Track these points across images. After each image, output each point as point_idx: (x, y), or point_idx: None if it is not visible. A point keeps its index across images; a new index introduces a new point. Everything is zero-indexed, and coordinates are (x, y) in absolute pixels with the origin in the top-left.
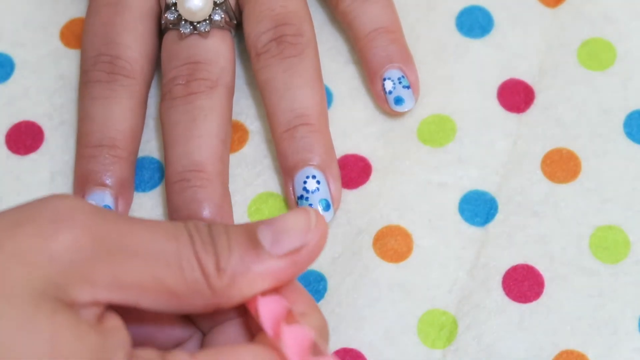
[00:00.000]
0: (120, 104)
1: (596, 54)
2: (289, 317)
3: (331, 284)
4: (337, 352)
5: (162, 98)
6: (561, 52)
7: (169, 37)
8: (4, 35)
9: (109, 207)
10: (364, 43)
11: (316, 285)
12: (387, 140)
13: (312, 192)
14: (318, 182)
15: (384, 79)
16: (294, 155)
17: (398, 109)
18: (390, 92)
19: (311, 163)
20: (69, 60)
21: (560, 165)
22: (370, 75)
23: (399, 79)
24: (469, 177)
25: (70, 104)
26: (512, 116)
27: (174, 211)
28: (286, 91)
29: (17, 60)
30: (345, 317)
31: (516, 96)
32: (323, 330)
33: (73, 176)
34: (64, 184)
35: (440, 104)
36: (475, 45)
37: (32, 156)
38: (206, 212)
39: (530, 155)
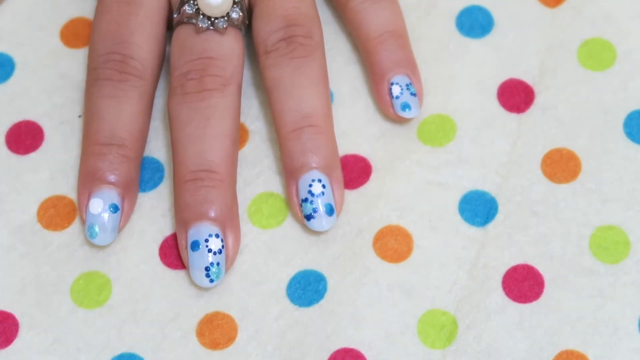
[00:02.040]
0: (131, 105)
1: (596, 54)
2: None
3: (331, 284)
4: (337, 352)
5: (172, 92)
6: (561, 52)
7: (183, 30)
8: (4, 35)
9: (116, 206)
10: (374, 44)
11: (316, 285)
12: (387, 140)
13: (317, 196)
14: (323, 185)
15: (392, 84)
16: (300, 156)
17: (404, 114)
18: (397, 97)
19: (317, 166)
20: (69, 60)
21: (560, 166)
22: (376, 78)
23: (407, 85)
24: (469, 177)
25: (70, 104)
26: (512, 116)
27: (184, 209)
28: (294, 90)
29: (17, 60)
30: (345, 317)
31: (516, 96)
32: None
33: (78, 173)
34: (64, 184)
35: (441, 104)
36: (476, 45)
37: (32, 156)
38: (217, 213)
39: (530, 155)
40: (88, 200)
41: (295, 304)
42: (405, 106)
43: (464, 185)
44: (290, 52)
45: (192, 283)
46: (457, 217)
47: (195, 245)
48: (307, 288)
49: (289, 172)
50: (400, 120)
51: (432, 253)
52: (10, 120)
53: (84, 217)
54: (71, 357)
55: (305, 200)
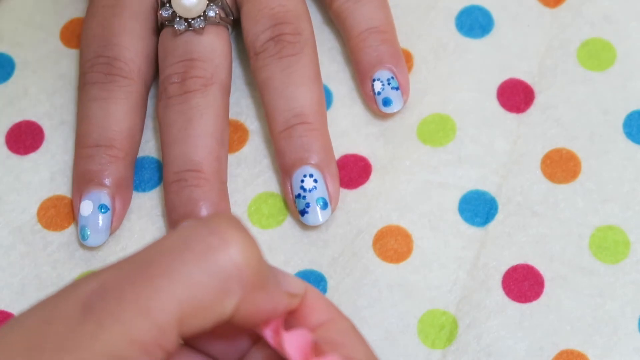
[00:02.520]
0: (118, 105)
1: (596, 54)
2: (317, 350)
3: (331, 284)
4: None
5: (159, 97)
6: (561, 53)
7: (165, 34)
8: (4, 35)
9: (105, 206)
10: (355, 43)
11: (316, 285)
12: (387, 140)
13: (310, 191)
14: (315, 180)
15: (374, 80)
16: (292, 154)
17: (386, 110)
18: (378, 93)
19: (308, 162)
20: (69, 60)
21: (560, 166)
22: (360, 76)
23: (388, 80)
24: (468, 177)
25: (70, 104)
26: (512, 116)
27: (172, 211)
28: (284, 90)
29: (17, 60)
30: None
31: (516, 96)
32: (351, 332)
33: (72, 176)
34: (64, 184)
35: (440, 104)
36: (475, 45)
37: (32, 156)
38: (203, 211)
39: (530, 155)
40: (80, 202)
41: None
42: (387, 101)
43: (463, 185)
44: (279, 51)
45: None
46: (457, 217)
47: None
48: None
49: (283, 170)
50: (385, 116)
51: (432, 253)
52: (10, 120)
53: (76, 219)
54: None
55: (298, 196)
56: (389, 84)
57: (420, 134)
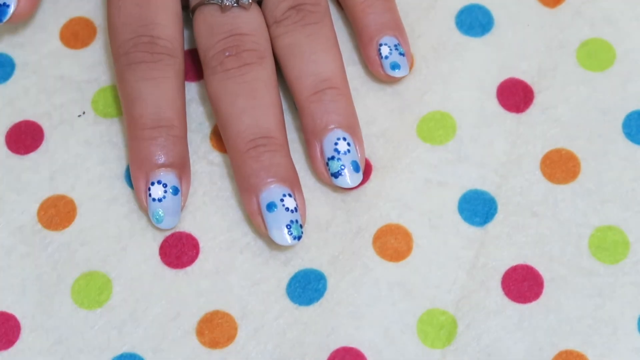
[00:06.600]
0: (170, 83)
1: (595, 55)
2: None
3: (331, 282)
4: (337, 351)
5: (212, 71)
6: (560, 53)
7: (205, 11)
8: (4, 35)
9: (176, 188)
10: (361, 8)
11: (316, 284)
12: (387, 139)
13: (344, 154)
14: (348, 144)
15: (380, 44)
16: (323, 117)
17: (393, 74)
18: (386, 57)
19: (340, 125)
20: (69, 60)
21: (560, 166)
22: (364, 40)
23: (395, 45)
24: (468, 176)
25: (70, 104)
26: (512, 116)
27: (251, 175)
28: (311, 55)
29: (17, 60)
30: (345, 316)
31: (515, 96)
32: None
33: (129, 159)
34: (63, 183)
35: (440, 102)
36: (475, 43)
37: (32, 156)
38: (285, 174)
39: (530, 155)
40: (146, 186)
41: (295, 303)
42: (395, 66)
43: (463, 185)
44: (301, 19)
45: (192, 283)
46: (457, 217)
47: (271, 207)
48: (307, 287)
49: (312, 133)
50: (390, 81)
51: (432, 252)
52: (10, 121)
53: (145, 204)
54: (72, 358)
55: (332, 158)
56: (396, 49)
57: (420, 131)
